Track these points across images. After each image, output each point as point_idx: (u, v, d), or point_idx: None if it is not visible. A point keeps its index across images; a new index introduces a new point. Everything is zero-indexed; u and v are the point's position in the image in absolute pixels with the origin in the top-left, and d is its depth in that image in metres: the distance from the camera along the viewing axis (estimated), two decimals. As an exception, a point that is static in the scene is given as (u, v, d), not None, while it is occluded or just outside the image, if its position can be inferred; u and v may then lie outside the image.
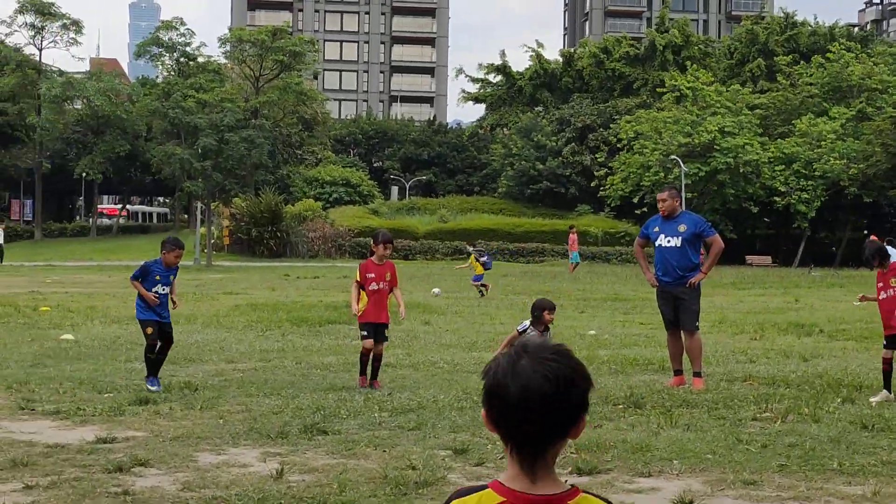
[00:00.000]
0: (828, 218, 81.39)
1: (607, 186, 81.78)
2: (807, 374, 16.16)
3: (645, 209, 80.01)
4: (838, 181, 75.83)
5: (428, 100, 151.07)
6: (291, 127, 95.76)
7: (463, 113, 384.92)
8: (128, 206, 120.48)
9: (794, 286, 46.03)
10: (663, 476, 9.68)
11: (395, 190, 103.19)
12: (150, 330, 14.59)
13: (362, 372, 14.94)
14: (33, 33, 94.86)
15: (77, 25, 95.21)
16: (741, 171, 75.90)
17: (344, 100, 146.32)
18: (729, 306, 32.07)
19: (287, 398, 13.67)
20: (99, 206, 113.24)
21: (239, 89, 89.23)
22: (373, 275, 14.88)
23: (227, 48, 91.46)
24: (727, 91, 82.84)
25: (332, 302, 30.94)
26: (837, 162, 74.97)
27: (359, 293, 14.90)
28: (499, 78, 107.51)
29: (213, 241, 75.40)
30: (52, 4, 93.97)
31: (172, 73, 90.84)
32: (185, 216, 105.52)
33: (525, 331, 13.85)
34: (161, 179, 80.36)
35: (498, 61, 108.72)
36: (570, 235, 56.33)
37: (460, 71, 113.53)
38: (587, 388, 2.88)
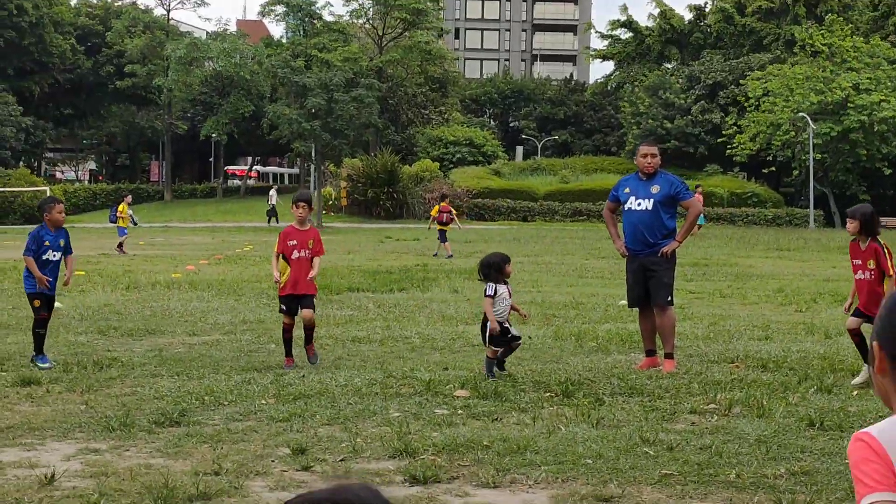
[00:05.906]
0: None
1: (735, 144, 78.66)
2: (809, 355, 14.23)
3: (773, 168, 76.98)
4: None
5: (570, 58, 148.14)
6: (418, 87, 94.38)
7: (605, 71, 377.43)
8: (257, 167, 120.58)
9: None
10: (510, 488, 8.09)
11: (519, 150, 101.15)
12: (37, 303, 13.39)
13: (287, 353, 13.56)
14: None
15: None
16: (875, 129, 72.19)
17: (485, 59, 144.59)
18: (812, 273, 29.88)
19: (189, 379, 12.34)
20: (228, 168, 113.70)
21: (364, 49, 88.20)
22: (294, 241, 13.46)
23: (354, 6, 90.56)
24: (867, 45, 78.72)
25: (380, 267, 29.73)
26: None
27: (278, 262, 13.60)
28: (628, 34, 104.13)
29: (330, 202, 74.79)
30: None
31: (297, 32, 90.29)
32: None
33: (494, 293, 12.57)
34: (273, 140, 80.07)
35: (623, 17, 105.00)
36: (696, 196, 53.78)
37: (590, 26, 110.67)
38: None
